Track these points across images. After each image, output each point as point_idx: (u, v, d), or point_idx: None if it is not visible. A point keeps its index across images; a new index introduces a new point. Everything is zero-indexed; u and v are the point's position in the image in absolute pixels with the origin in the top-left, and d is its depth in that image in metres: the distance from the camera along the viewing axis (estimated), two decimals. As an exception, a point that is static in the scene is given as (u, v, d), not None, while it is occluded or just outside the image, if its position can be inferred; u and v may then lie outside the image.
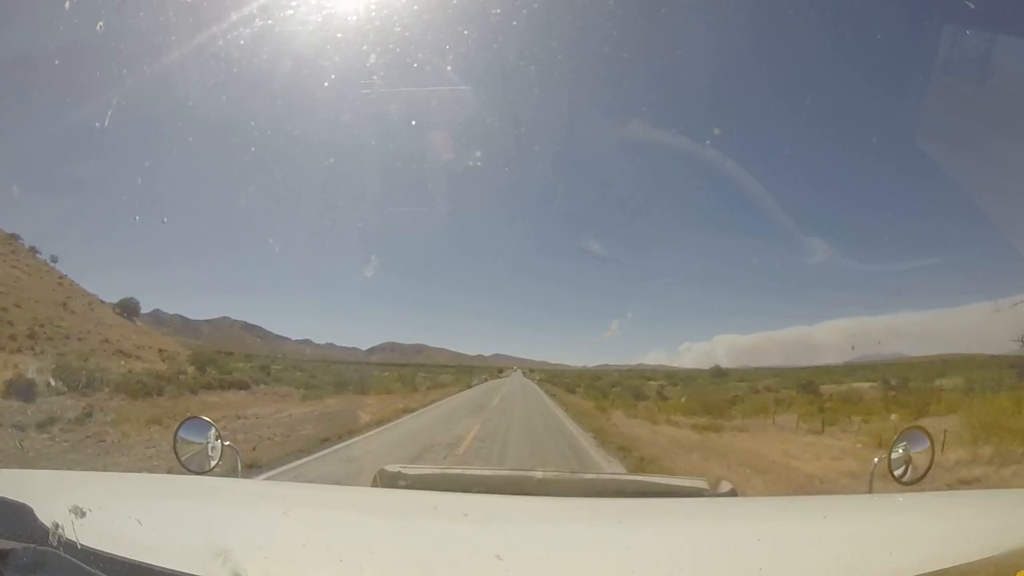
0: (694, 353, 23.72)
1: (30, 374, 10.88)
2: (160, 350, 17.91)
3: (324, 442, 10.00)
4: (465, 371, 30.50)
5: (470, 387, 27.57)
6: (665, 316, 28.90)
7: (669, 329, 28.43)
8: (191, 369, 16.67)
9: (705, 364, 22.93)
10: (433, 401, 19.63)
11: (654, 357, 24.49)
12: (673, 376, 23.71)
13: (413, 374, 27.05)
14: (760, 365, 21.60)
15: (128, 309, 19.17)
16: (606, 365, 25.57)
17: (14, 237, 17.83)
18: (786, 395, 18.21)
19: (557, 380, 28.93)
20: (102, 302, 18.33)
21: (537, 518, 1.32)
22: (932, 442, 1.64)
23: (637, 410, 17.70)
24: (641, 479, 1.68)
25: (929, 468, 1.62)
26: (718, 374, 23.11)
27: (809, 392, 17.90)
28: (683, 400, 19.50)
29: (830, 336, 19.50)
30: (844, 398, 16.40)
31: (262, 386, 17.46)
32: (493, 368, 32.99)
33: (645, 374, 25.00)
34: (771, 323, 27.02)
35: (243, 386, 16.68)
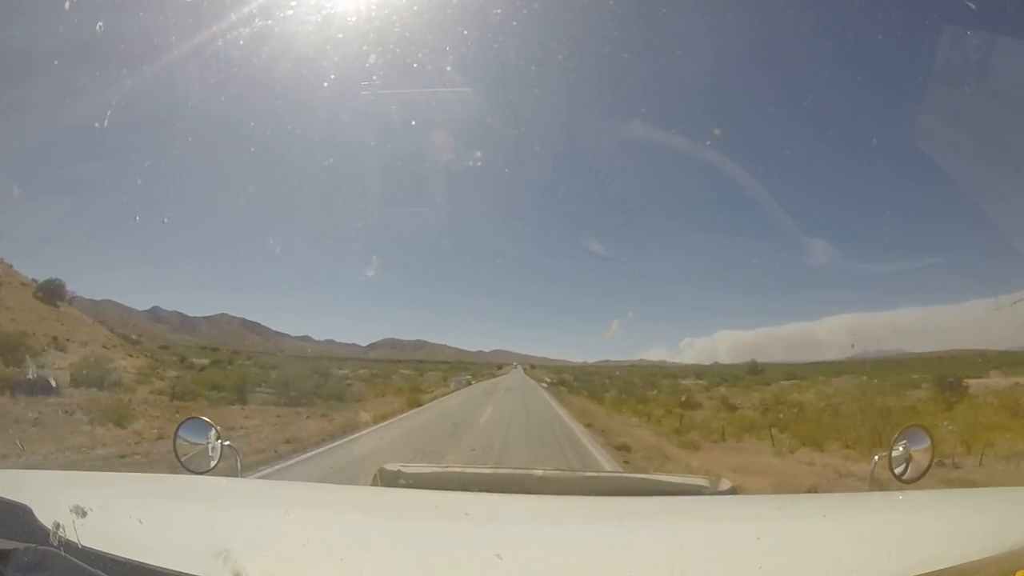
0: (695, 349, 23.34)
1: None
2: (54, 339, 15.37)
3: None
4: (462, 368, 26.46)
5: (420, 406, 16.49)
6: (666, 315, 28.59)
7: (670, 326, 28.08)
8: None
9: (706, 360, 22.30)
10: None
11: (655, 353, 24.08)
12: (703, 374, 20.16)
13: (391, 373, 21.96)
14: (763, 361, 20.90)
15: (50, 293, 16.98)
16: (607, 361, 24.88)
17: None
18: (914, 399, 12.60)
19: (573, 383, 20.98)
20: (24, 285, 16.65)
21: (537, 517, 1.32)
22: (932, 440, 1.64)
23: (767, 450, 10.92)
24: (642, 477, 1.69)
25: (929, 466, 1.63)
26: (754, 370, 19.76)
27: (954, 392, 12.30)
28: (790, 417, 12.44)
29: (832, 332, 19.17)
30: (1015, 405, 11.21)
31: (69, 391, 12.21)
32: (492, 364, 28.81)
33: (674, 372, 20.91)
34: (772, 319, 26.75)
35: (46, 389, 11.37)
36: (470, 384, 23.31)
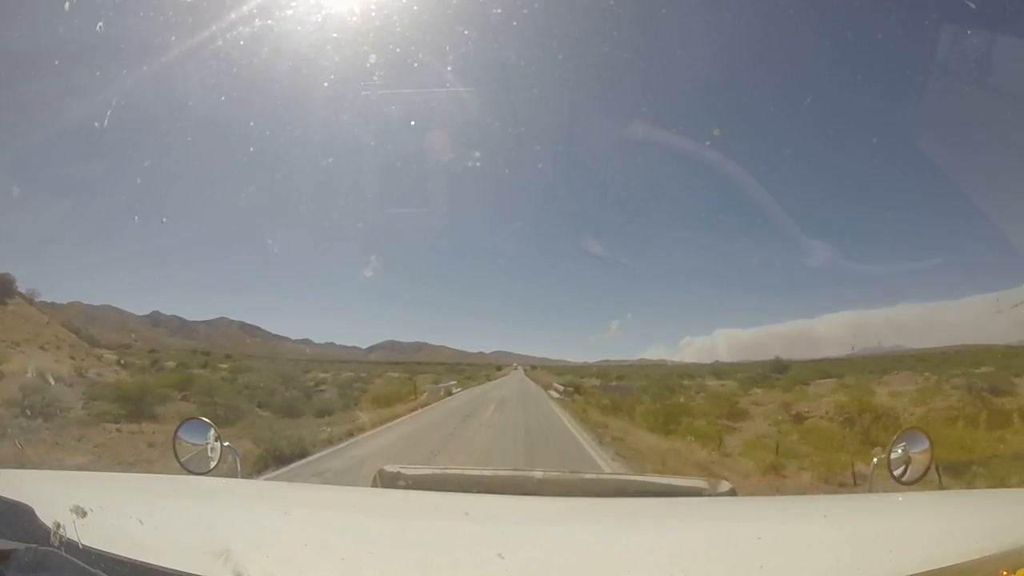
0: (695, 348, 23.23)
1: None
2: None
3: None
4: (458, 371, 24.87)
5: (303, 458, 8.32)
6: (665, 315, 28.48)
7: (669, 326, 28.01)
8: None
9: (706, 358, 22.11)
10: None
11: (654, 352, 23.93)
12: (721, 374, 18.24)
13: (375, 377, 19.24)
14: (761, 359, 20.70)
15: (-4, 287, 15.44)
16: (607, 360, 24.70)
17: None
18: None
19: (592, 390, 17.06)
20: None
21: (537, 518, 1.32)
22: (931, 442, 1.65)
23: None
24: (641, 479, 1.68)
25: (928, 468, 1.63)
26: (780, 368, 17.02)
27: None
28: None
29: (831, 329, 19.09)
30: None
31: None
32: (492, 365, 27.33)
33: (691, 372, 18.93)
34: (771, 317, 26.62)
35: None
36: (451, 395, 16.77)
